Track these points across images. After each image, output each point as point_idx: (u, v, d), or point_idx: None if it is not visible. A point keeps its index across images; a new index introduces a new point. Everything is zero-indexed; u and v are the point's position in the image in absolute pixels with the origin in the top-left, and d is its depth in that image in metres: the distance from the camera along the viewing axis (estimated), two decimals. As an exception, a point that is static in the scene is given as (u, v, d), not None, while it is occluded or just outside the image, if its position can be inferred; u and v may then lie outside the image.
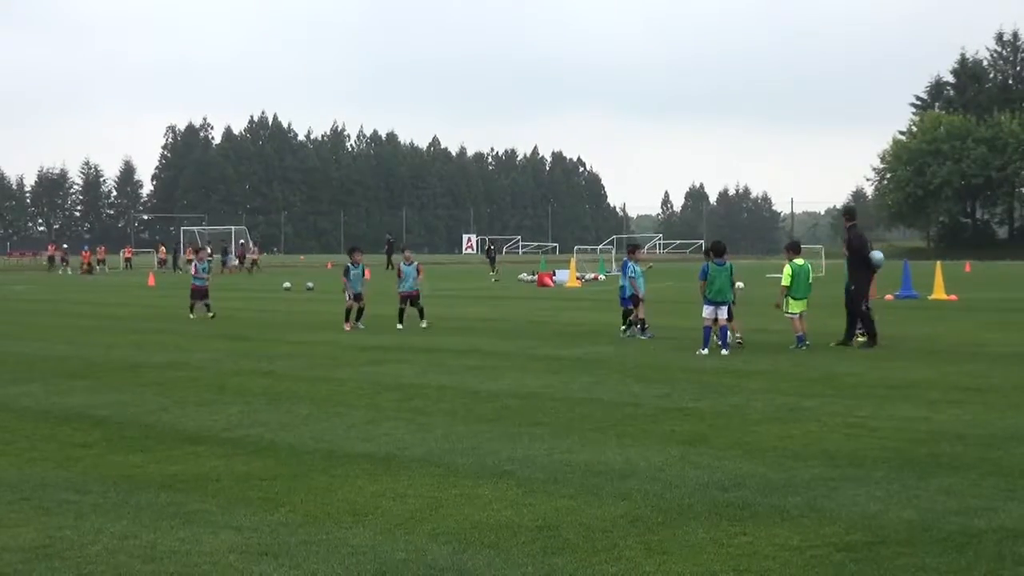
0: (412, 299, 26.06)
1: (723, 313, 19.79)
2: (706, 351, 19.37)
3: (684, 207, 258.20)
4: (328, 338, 23.23)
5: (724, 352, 19.29)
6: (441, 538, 7.52)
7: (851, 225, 21.67)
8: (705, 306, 19.84)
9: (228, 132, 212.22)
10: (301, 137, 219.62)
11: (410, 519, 8.03)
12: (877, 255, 21.29)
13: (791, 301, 20.47)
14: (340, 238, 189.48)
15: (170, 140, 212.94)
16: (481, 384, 15.62)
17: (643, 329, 22.74)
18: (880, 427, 11.74)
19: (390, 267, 73.17)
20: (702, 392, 14.59)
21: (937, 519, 7.88)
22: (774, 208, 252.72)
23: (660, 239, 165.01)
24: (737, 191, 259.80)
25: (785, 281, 20.45)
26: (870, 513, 8.06)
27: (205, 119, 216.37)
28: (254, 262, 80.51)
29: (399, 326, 25.41)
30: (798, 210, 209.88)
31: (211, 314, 30.01)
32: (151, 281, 56.92)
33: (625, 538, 7.47)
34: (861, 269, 21.00)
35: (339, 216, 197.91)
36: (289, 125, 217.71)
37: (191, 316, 30.33)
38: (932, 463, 9.80)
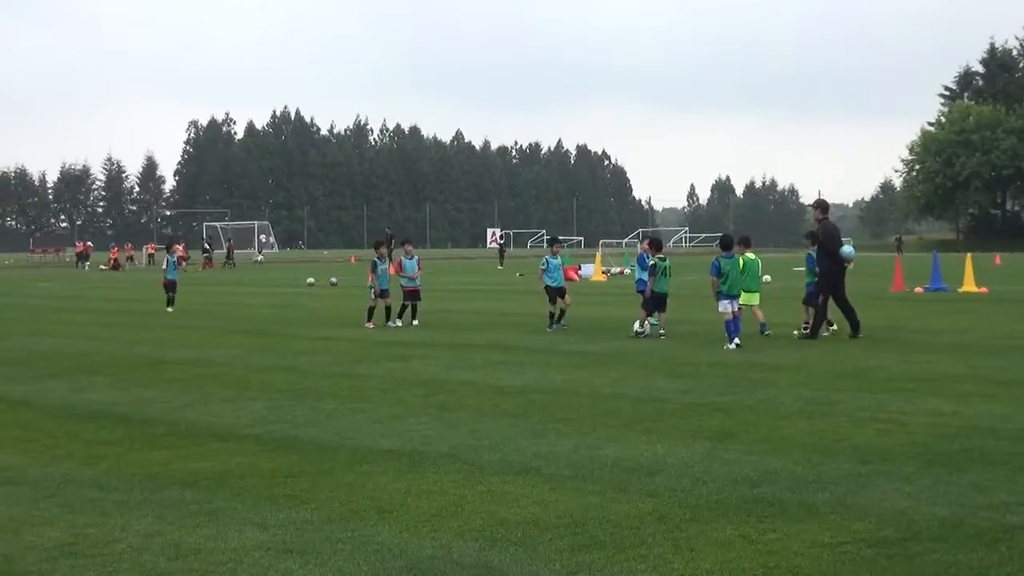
0: (413, 295, 25.56)
1: (736, 306, 19.95)
2: (733, 346, 19.35)
3: (710, 200, 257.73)
4: (352, 334, 23.27)
5: (731, 347, 19.32)
6: (467, 535, 7.52)
7: (823, 219, 21.91)
8: (721, 301, 19.92)
9: (251, 127, 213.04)
10: (324, 131, 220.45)
11: (436, 516, 8.03)
12: (847, 249, 21.80)
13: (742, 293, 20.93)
14: (363, 233, 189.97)
15: (192, 135, 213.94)
16: (506, 379, 15.61)
17: (556, 320, 23.46)
18: (910, 422, 11.67)
19: (390, 262, 72.90)
20: (729, 387, 14.54)
21: (969, 515, 7.82)
22: (801, 200, 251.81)
23: (686, 232, 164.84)
24: (764, 183, 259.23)
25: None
26: (901, 509, 8.01)
27: (227, 114, 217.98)
28: (229, 258, 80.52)
29: (398, 323, 25.00)
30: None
31: (170, 308, 31.36)
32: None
33: (653, 535, 7.45)
34: (829, 264, 21.30)
35: (362, 210, 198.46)
36: (312, 119, 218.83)
37: (168, 310, 31.34)
38: (963, 458, 9.74)
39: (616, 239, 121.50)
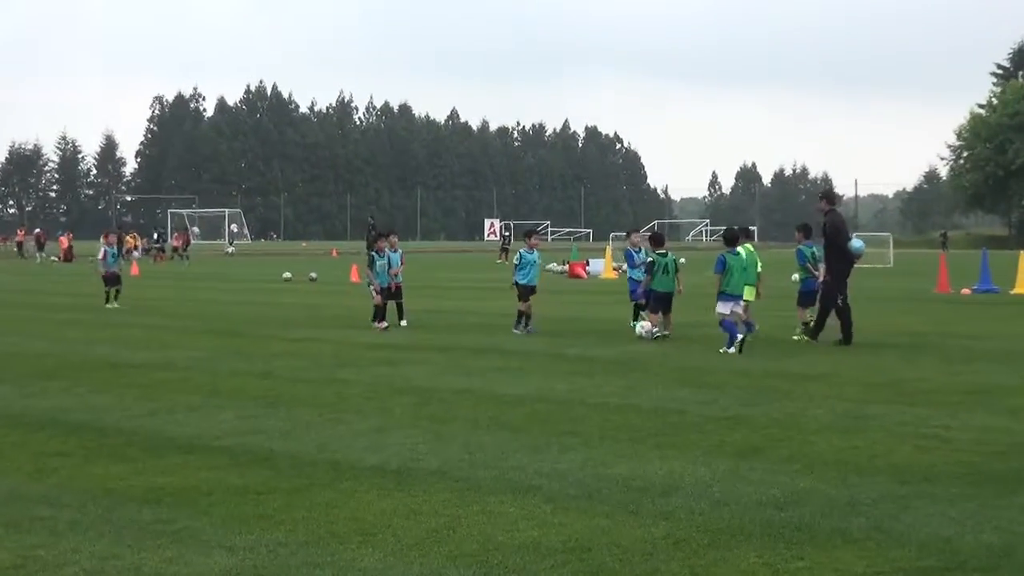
0: (395, 292, 25.51)
1: (739, 307, 20.22)
2: (733, 349, 19.53)
3: (734, 189, 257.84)
4: (333, 336, 23.28)
5: (731, 351, 19.51)
6: (460, 561, 7.52)
7: (830, 210, 22.10)
8: (721, 301, 20.12)
9: (221, 103, 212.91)
10: (303, 109, 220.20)
11: (425, 539, 8.04)
12: (857, 243, 21.99)
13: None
14: (347, 222, 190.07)
15: (156, 112, 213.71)
16: (505, 388, 15.62)
17: (524, 323, 23.64)
18: (955, 438, 11.68)
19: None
20: (754, 398, 14.55)
21: (1020, 542, 7.83)
22: (836, 191, 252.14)
23: (707, 225, 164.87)
24: (794, 171, 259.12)
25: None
26: (944, 536, 8.01)
27: (196, 89, 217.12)
28: (175, 249, 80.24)
29: (384, 324, 24.82)
30: (863, 192, 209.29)
31: (112, 303, 31.66)
32: (135, 270, 57.12)
33: (668, 562, 7.46)
34: (837, 259, 21.52)
35: (346, 198, 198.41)
36: (290, 96, 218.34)
37: (107, 306, 31.66)
38: (1014, 479, 9.75)
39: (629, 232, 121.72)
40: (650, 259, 22.29)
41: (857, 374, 16.85)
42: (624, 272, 25.20)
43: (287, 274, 50.44)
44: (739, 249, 20.71)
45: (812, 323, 21.69)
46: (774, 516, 8.57)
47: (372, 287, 25.25)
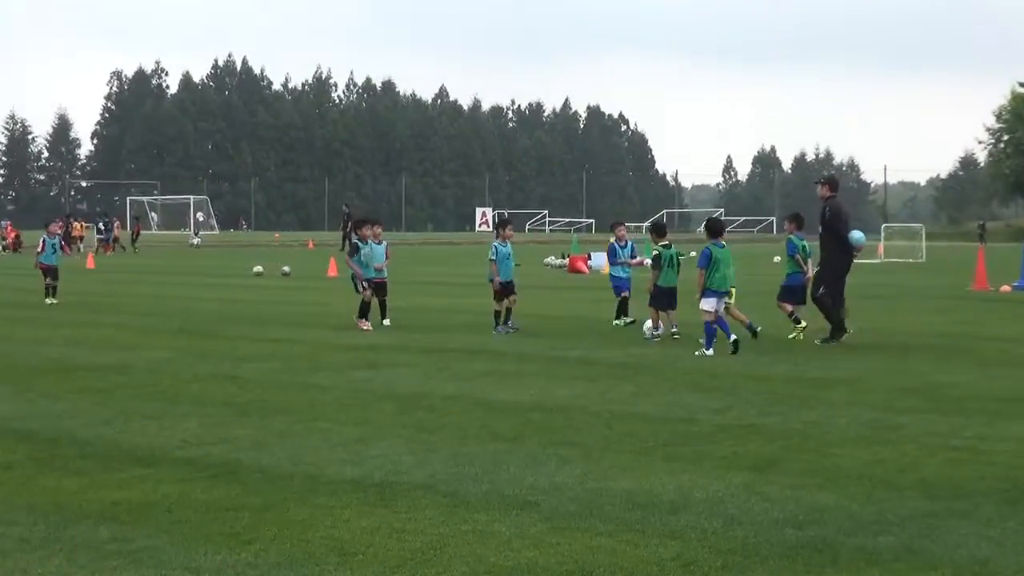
0: (380, 289, 25.43)
1: (723, 305, 20.40)
2: (711, 352, 19.72)
3: (751, 175, 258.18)
4: (309, 336, 23.27)
5: (708, 352, 19.72)
6: (447, 584, 7.52)
7: (830, 197, 22.43)
8: (705, 298, 20.18)
9: (186, 79, 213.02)
10: (276, 86, 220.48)
11: (410, 560, 8.04)
12: (857, 234, 22.16)
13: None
14: (324, 211, 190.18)
15: (115, 89, 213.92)
16: (498, 394, 15.63)
17: (504, 321, 23.81)
18: (992, 450, 11.70)
19: (346, 246, 73.21)
20: (771, 405, 14.57)
21: (1064, 566, 7.85)
22: (863, 177, 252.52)
23: (721, 215, 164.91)
24: (817, 156, 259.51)
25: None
26: (980, 557, 8.03)
27: (158, 63, 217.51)
28: (115, 240, 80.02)
29: (367, 325, 24.73)
30: (892, 180, 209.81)
31: (50, 300, 31.93)
32: (90, 263, 57.10)
33: (675, 586, 7.46)
34: (836, 251, 21.90)
35: (323, 184, 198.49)
36: (262, 71, 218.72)
37: (46, 301, 31.84)
38: (1058, 496, 9.77)
39: (635, 222, 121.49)
40: (656, 252, 22.41)
41: (884, 379, 16.87)
42: (645, 264, 25.30)
43: (258, 268, 50.44)
44: (721, 240, 20.83)
45: (795, 318, 22.16)
46: (793, 535, 8.58)
47: (358, 282, 25.02)
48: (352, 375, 17.60)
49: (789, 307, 22.38)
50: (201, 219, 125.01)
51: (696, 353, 19.76)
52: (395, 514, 9.27)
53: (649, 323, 22.33)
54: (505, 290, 23.77)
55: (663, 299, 22.28)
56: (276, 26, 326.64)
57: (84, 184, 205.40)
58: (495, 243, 24.25)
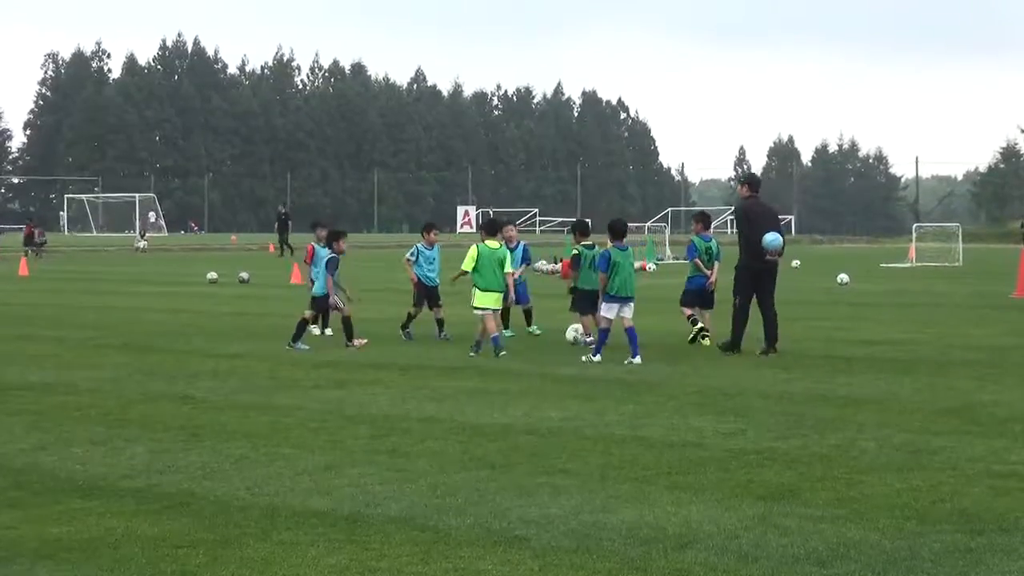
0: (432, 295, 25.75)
1: (628, 311, 20.98)
2: (598, 358, 20.51)
3: (767, 168, 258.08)
4: (270, 351, 23.27)
5: (636, 360, 20.41)
6: (427, 629, 7.55)
7: (749, 196, 23.10)
8: (605, 303, 20.93)
9: (131, 62, 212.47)
10: (232, 69, 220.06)
11: (384, 603, 8.05)
12: (770, 237, 22.05)
13: (479, 293, 22.17)
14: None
15: (50, 73, 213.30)
16: (483, 416, 15.66)
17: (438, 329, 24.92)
18: (1039, 477, 11.74)
19: (285, 251, 73.65)
20: (790, 427, 14.59)
21: (1118, 606, 7.88)
22: (891, 171, 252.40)
23: (732, 213, 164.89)
24: (840, 147, 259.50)
25: (467, 265, 22.48)
26: (1025, 597, 8.06)
27: (99, 44, 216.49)
28: (39, 246, 79.83)
29: (328, 331, 25.60)
30: (925, 173, 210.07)
31: None
32: (23, 270, 57.00)
33: (683, 631, 7.49)
34: (743, 254, 22.48)
35: (284, 180, 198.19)
36: (216, 53, 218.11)
37: None
38: (1111, 528, 9.80)
39: (636, 222, 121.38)
40: (575, 251, 23.09)
41: (918, 398, 16.92)
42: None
43: (212, 274, 50.35)
44: (624, 243, 21.31)
45: (692, 319, 23.28)
46: (815, 573, 8.60)
47: (334, 295, 24.41)
48: (319, 395, 17.60)
49: (688, 311, 23.42)
50: (153, 220, 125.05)
51: (583, 359, 20.62)
52: (367, 551, 9.29)
53: (579, 328, 23.19)
54: (428, 294, 24.92)
55: (584, 303, 22.91)
56: (231, 1, 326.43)
57: (16, 181, 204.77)
58: (418, 245, 25.58)
